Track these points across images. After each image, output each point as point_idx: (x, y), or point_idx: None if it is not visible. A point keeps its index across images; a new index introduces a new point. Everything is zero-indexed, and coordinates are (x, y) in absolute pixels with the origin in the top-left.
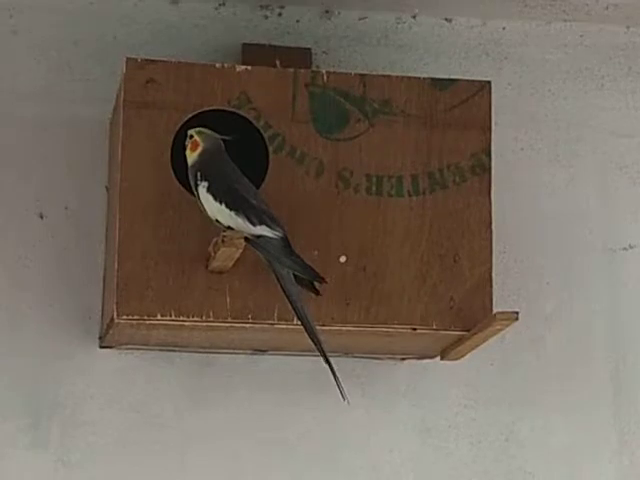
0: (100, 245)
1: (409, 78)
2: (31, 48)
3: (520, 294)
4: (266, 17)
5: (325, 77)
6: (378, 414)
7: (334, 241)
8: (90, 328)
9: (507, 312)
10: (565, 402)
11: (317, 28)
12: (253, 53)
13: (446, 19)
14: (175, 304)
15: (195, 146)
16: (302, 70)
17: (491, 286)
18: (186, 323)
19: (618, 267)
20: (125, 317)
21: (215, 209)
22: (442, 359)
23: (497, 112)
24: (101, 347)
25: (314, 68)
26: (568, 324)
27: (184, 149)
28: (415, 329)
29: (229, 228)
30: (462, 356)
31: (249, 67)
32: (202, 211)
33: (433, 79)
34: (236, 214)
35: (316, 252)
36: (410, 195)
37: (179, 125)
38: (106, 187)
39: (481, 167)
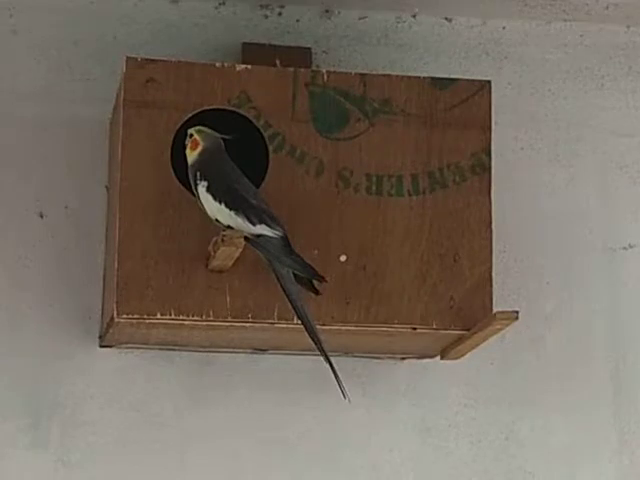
0: (100, 244)
1: (409, 77)
2: (31, 48)
3: (520, 293)
4: (266, 16)
5: (325, 76)
6: (378, 413)
7: (334, 240)
8: (90, 327)
9: (507, 311)
10: (565, 402)
11: (317, 27)
12: (253, 52)
13: (446, 18)
14: (175, 303)
15: (195, 145)
16: (302, 69)
17: (491, 285)
18: (186, 322)
19: (618, 267)
20: (125, 316)
21: (215, 208)
22: (442, 358)
23: (497, 112)
24: (101, 346)
25: (314, 67)
26: (568, 324)
27: (184, 148)
28: (415, 328)
29: (229, 227)
30: (462, 355)
31: (249, 66)
32: (202, 210)
33: (433, 78)
34: (236, 213)
35: (316, 251)
36: (410, 194)
37: (179, 124)
38: (106, 187)
39: (481, 167)
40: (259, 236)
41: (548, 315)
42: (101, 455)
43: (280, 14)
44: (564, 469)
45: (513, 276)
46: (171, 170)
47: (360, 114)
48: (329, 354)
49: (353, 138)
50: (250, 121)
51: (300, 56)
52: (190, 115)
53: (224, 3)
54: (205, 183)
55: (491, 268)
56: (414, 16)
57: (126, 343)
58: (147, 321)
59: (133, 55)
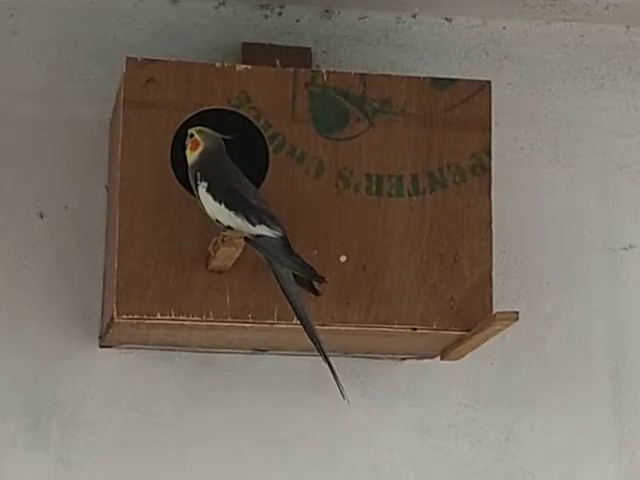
0: (100, 245)
1: (409, 78)
2: (31, 48)
3: (520, 294)
4: (266, 16)
5: (325, 76)
6: (378, 414)
7: (334, 241)
8: (90, 328)
9: (507, 312)
10: (565, 402)
11: (317, 27)
12: (253, 52)
13: (446, 19)
14: (175, 303)
15: (195, 145)
16: (302, 69)
17: (491, 286)
18: (186, 322)
19: (618, 267)
20: (125, 316)
21: (215, 209)
22: (442, 359)
23: (497, 112)
24: (101, 347)
25: (314, 67)
26: (568, 324)
27: (184, 148)
28: (415, 329)
29: (229, 228)
30: (462, 356)
31: (249, 66)
32: (202, 211)
33: (433, 79)
34: (235, 214)
35: (316, 252)
36: (410, 195)
37: (179, 124)
38: (106, 187)
39: (481, 167)
40: (259, 236)
41: (548, 315)
42: (101, 455)
43: (280, 14)
44: (564, 469)
45: (513, 276)
46: (171, 170)
47: (360, 114)
48: (328, 354)
49: (353, 138)
50: (250, 121)
51: (300, 56)
52: (190, 115)
53: (224, 3)
54: (205, 183)
55: (491, 268)
56: (414, 16)
57: (126, 343)
58: (147, 321)
59: (133, 55)
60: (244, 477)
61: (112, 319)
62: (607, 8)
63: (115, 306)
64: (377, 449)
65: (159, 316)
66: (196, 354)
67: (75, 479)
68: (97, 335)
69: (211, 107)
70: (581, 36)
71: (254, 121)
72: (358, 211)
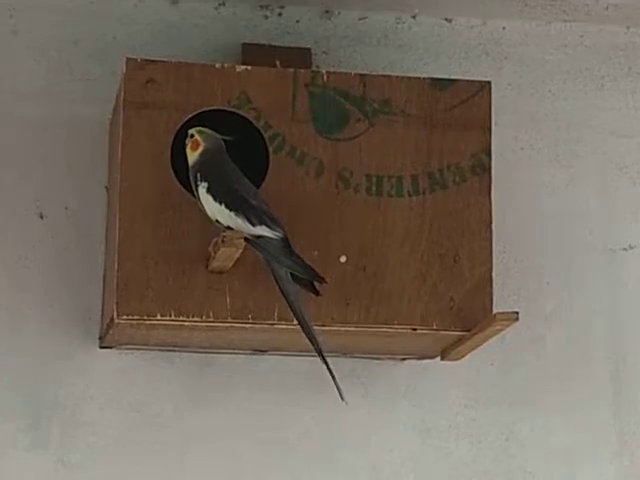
0: (100, 245)
1: (409, 78)
2: (31, 48)
3: (520, 294)
4: (266, 17)
5: (325, 77)
6: (378, 414)
7: (334, 241)
8: (90, 328)
9: (507, 312)
10: (565, 402)
11: (317, 28)
12: (253, 53)
13: (446, 19)
14: (175, 304)
15: (196, 145)
16: (302, 70)
17: (491, 286)
18: (186, 323)
19: (618, 267)
20: (125, 317)
21: (215, 209)
22: (442, 359)
23: (497, 112)
24: (101, 347)
25: (314, 68)
26: (568, 324)
27: (184, 149)
28: (415, 329)
29: (229, 228)
30: (462, 356)
31: (249, 67)
32: (202, 211)
33: (433, 79)
34: (236, 214)
35: (316, 252)
36: (410, 195)
37: (179, 125)
38: (106, 187)
39: (481, 167)
40: (259, 237)
41: (548, 316)
42: (101, 456)
43: (280, 15)
44: (564, 470)
45: (513, 277)
46: (171, 171)
47: (360, 114)
48: (328, 355)
49: (353, 139)
50: (250, 122)
51: (300, 57)
52: (190, 116)
53: (224, 4)
54: (205, 184)
55: (491, 269)
56: (414, 17)
57: (126, 344)
58: (147, 322)
59: (133, 56)
60: (244, 477)
61: (112, 320)
62: (607, 8)
63: (115, 307)
64: (377, 449)
65: (159, 317)
66: (196, 355)
67: (75, 479)
68: (97, 336)
69: (211, 108)
70: (581, 36)
71: (254, 122)
72: (358, 211)
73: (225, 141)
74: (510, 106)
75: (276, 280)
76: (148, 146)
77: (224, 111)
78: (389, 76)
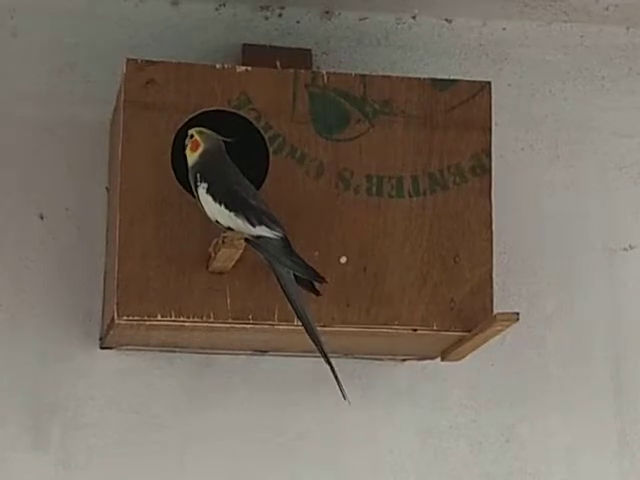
0: (100, 246)
1: (409, 79)
2: (31, 49)
3: (520, 295)
4: (266, 18)
5: (325, 78)
6: (378, 415)
7: (334, 242)
8: (90, 329)
9: (508, 313)
10: (566, 402)
11: (317, 29)
12: (253, 54)
13: (446, 20)
14: (175, 305)
15: (196, 146)
16: (302, 71)
17: (491, 287)
18: (186, 324)
19: (618, 267)
20: (126, 318)
21: (215, 210)
22: (443, 360)
23: (497, 112)
24: (101, 348)
25: (314, 69)
26: (569, 324)
27: (184, 150)
28: (416, 330)
29: (229, 229)
30: (463, 357)
31: (249, 68)
32: (202, 212)
33: (433, 80)
34: (236, 215)
35: (316, 253)
36: (410, 196)
37: (179, 126)
38: (106, 188)
39: (481, 167)
40: (259, 237)
41: (549, 316)
42: (101, 457)
43: (280, 15)
44: (565, 470)
45: (513, 277)
46: (171, 171)
47: (360, 115)
48: (329, 355)
49: (353, 139)
50: (250, 122)
51: (300, 57)
52: (190, 116)
53: (224, 4)
54: (205, 184)
55: (491, 269)
56: (414, 17)
57: (126, 345)
58: (147, 323)
59: (133, 57)
60: (244, 478)
61: (113, 320)
62: (607, 9)
63: (116, 307)
64: (377, 450)
65: (159, 317)
66: (196, 355)
67: None
68: (98, 337)
69: (211, 108)
70: (581, 37)
71: (254, 122)
72: (358, 212)
73: (225, 142)
74: (510, 106)
75: (278, 280)
76: (148, 147)
77: (224, 112)
78: (389, 77)
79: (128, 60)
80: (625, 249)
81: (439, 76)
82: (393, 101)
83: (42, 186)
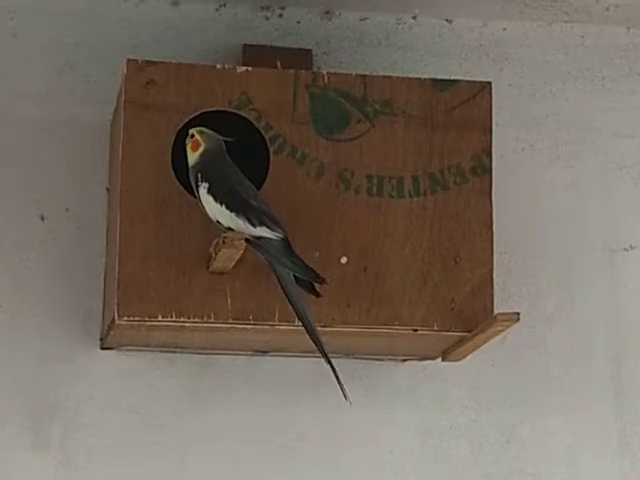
0: (101, 246)
1: (410, 79)
2: (32, 50)
3: (521, 295)
4: (267, 18)
5: (326, 78)
6: (379, 415)
7: (335, 242)
8: (91, 330)
9: (508, 313)
10: (566, 403)
11: (318, 29)
12: (254, 54)
13: (447, 20)
14: (176, 305)
15: (196, 146)
16: (303, 71)
17: (492, 287)
18: (187, 324)
19: (619, 268)
20: (126, 318)
21: (216, 210)
22: (443, 360)
23: (498, 113)
24: (102, 349)
25: (315, 69)
26: (569, 325)
27: (185, 150)
28: (416, 330)
29: (230, 229)
30: (463, 357)
31: (250, 68)
32: (203, 212)
33: (434, 80)
34: (236, 215)
35: (317, 253)
36: (411, 196)
37: (180, 126)
38: (107, 188)
39: (482, 168)
40: (260, 238)
41: (549, 316)
42: (102, 457)
43: (281, 16)
44: (565, 470)
45: (514, 277)
46: (172, 172)
47: (361, 115)
48: (330, 356)
49: (354, 139)
50: (251, 123)
51: (301, 58)
52: (191, 117)
53: (225, 5)
54: (206, 184)
55: (492, 269)
56: (415, 17)
57: (127, 345)
58: (148, 323)
59: (134, 57)
60: (245, 479)
61: (113, 321)
62: (608, 9)
63: (116, 308)
64: (378, 450)
65: (160, 318)
66: (197, 356)
67: None
68: (98, 337)
69: (212, 109)
70: (582, 37)
71: (255, 123)
72: (359, 212)
73: (226, 142)
74: (511, 107)
75: (279, 281)
76: (149, 147)
77: (225, 112)
78: (390, 77)
79: (128, 60)
80: (626, 249)
81: (440, 76)
82: (394, 101)
83: (42, 186)
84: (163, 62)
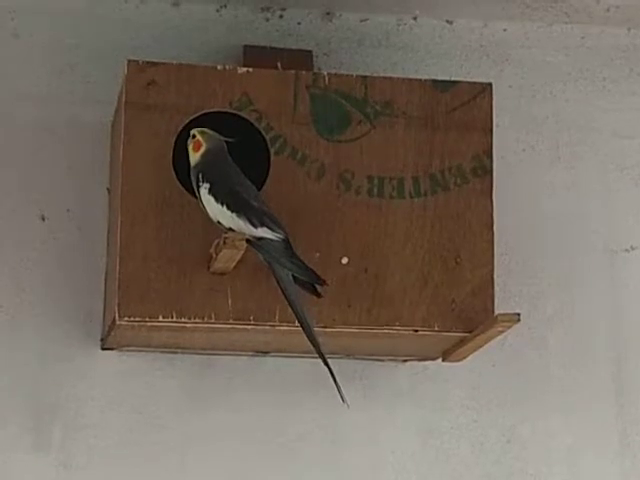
0: (102, 247)
1: (410, 80)
2: (32, 51)
3: (522, 296)
4: (267, 19)
5: (326, 79)
6: (379, 415)
7: (335, 243)
8: (91, 330)
9: (509, 314)
10: (567, 403)
11: (318, 30)
12: (254, 55)
13: (447, 21)
14: (177, 306)
15: (198, 146)
16: (303, 72)
17: (493, 288)
18: (188, 325)
19: (619, 268)
20: (127, 319)
21: (217, 211)
22: (444, 360)
23: (498, 114)
24: (102, 349)
25: (315, 70)
26: (570, 325)
27: (186, 151)
28: (417, 331)
29: (230, 230)
30: (464, 358)
31: (250, 69)
32: (204, 213)
33: (434, 81)
34: (237, 216)
35: (317, 254)
36: (411, 197)
37: (180, 127)
38: (107, 189)
39: (482, 169)
40: (260, 239)
41: (550, 317)
42: (102, 458)
43: (281, 17)
44: (566, 471)
45: (514, 278)
46: (172, 172)
47: (361, 116)
48: (330, 356)
49: (354, 140)
50: (251, 124)
51: (301, 59)
52: (191, 118)
53: (225, 6)
54: (207, 185)
55: (493, 270)
56: (415, 18)
57: (127, 346)
58: (149, 323)
59: (134, 58)
60: (245, 479)
61: (114, 321)
62: (608, 10)
63: (117, 308)
64: (378, 451)
65: (161, 318)
66: (197, 356)
67: None
68: (99, 338)
69: (212, 109)
70: (582, 38)
71: (255, 123)
72: (359, 213)
73: (227, 142)
74: (511, 108)
75: (278, 282)
76: (149, 148)
77: (225, 113)
78: (390, 78)
79: (129, 61)
80: (626, 250)
81: (440, 77)
82: (394, 102)
83: (43, 187)
84: (164, 63)
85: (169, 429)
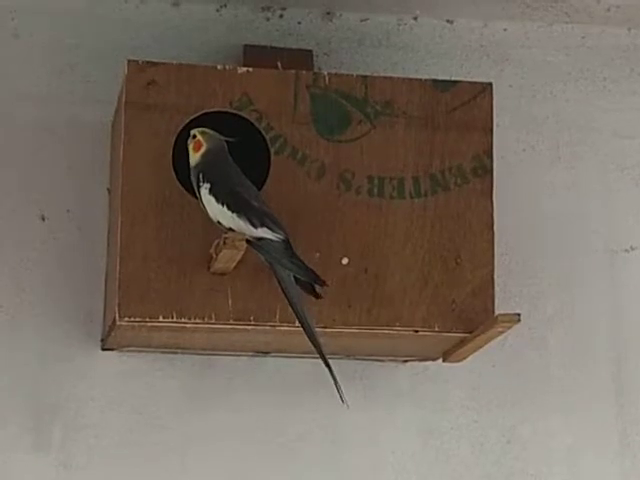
0: (102, 247)
1: (411, 80)
2: (32, 50)
3: (522, 296)
4: (267, 19)
5: (327, 79)
6: (380, 416)
7: (336, 243)
8: (92, 330)
9: (509, 314)
10: (567, 403)
11: (319, 30)
12: (254, 55)
13: (447, 21)
14: (177, 306)
15: (198, 146)
16: (304, 72)
17: (493, 288)
18: (188, 325)
19: (620, 269)
20: (127, 319)
21: (217, 211)
22: (444, 361)
23: (498, 114)
24: (103, 349)
25: (316, 70)
26: (570, 326)
27: (186, 151)
28: (417, 331)
29: (231, 230)
30: (464, 358)
31: (250, 69)
32: (204, 213)
33: (435, 80)
34: (238, 216)
35: (318, 254)
36: (412, 197)
37: (181, 127)
38: (108, 189)
39: (483, 169)
40: (261, 239)
41: (550, 317)
42: (102, 458)
43: (281, 16)
44: (566, 471)
45: (515, 278)
46: (173, 172)
47: (362, 116)
48: (330, 357)
49: (355, 140)
50: (252, 123)
51: (301, 58)
52: (192, 118)
53: (225, 5)
54: (208, 185)
55: (493, 270)
56: (415, 18)
57: (128, 346)
58: (149, 324)
59: (134, 58)
60: (245, 479)
61: (114, 322)
62: (609, 10)
63: (117, 308)
64: (378, 451)
65: (161, 318)
66: (198, 356)
67: None
68: (99, 338)
69: (213, 109)
70: (582, 38)
71: (256, 123)
72: (360, 213)
73: (227, 142)
74: (511, 108)
75: (279, 282)
76: (149, 148)
77: (226, 113)
78: (391, 78)
79: (129, 61)
80: (626, 250)
81: (440, 77)
82: (394, 102)
83: (43, 187)
84: (164, 63)
85: (169, 429)
